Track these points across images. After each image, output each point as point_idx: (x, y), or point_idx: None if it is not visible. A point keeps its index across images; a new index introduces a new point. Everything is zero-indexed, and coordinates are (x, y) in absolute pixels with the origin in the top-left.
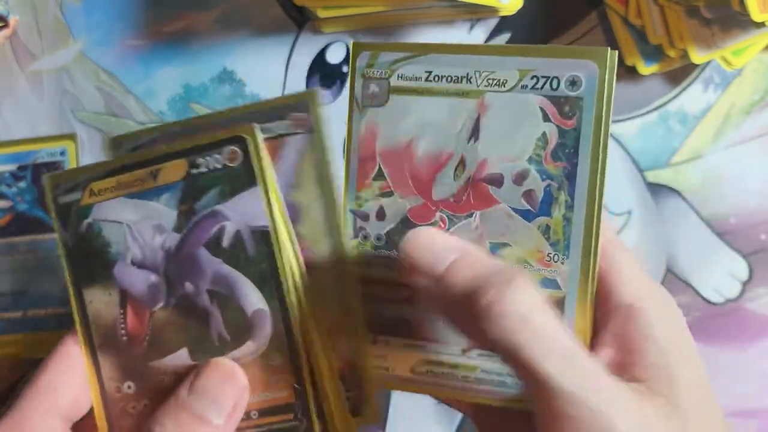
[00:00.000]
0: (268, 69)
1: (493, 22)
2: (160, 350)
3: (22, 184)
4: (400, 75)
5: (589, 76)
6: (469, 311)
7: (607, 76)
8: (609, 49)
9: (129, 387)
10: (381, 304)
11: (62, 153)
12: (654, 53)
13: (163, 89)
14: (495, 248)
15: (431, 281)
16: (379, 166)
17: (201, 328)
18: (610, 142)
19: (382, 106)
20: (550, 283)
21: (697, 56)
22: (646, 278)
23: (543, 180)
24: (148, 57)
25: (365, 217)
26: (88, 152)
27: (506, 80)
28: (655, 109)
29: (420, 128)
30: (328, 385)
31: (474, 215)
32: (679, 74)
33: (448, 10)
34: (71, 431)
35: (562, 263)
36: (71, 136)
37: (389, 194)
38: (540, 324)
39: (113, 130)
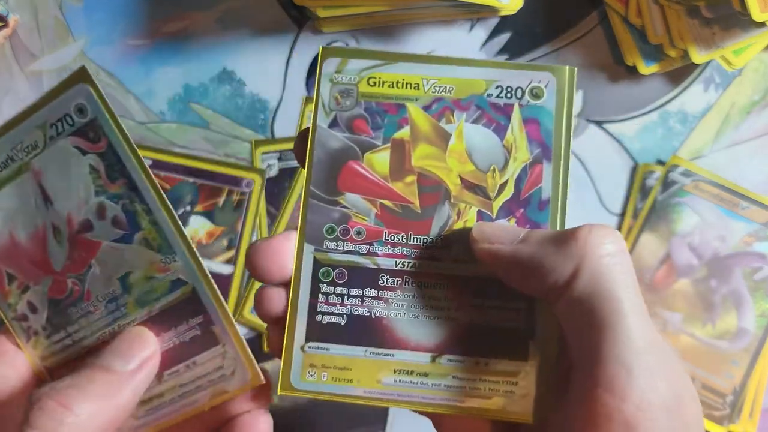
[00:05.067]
0: (268, 69)
1: (493, 22)
2: None
3: None
4: None
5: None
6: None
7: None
8: None
9: None
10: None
11: None
12: (654, 53)
13: (163, 89)
14: (124, 278)
15: (509, 246)
16: (4, 270)
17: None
18: (611, 141)
19: None
20: (177, 283)
21: (697, 56)
22: (647, 330)
23: (116, 203)
24: (148, 57)
25: (25, 318)
26: None
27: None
28: (656, 108)
29: (9, 220)
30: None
31: (91, 265)
32: (680, 74)
33: (448, 10)
34: None
35: (175, 261)
36: None
37: (27, 288)
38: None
39: None
